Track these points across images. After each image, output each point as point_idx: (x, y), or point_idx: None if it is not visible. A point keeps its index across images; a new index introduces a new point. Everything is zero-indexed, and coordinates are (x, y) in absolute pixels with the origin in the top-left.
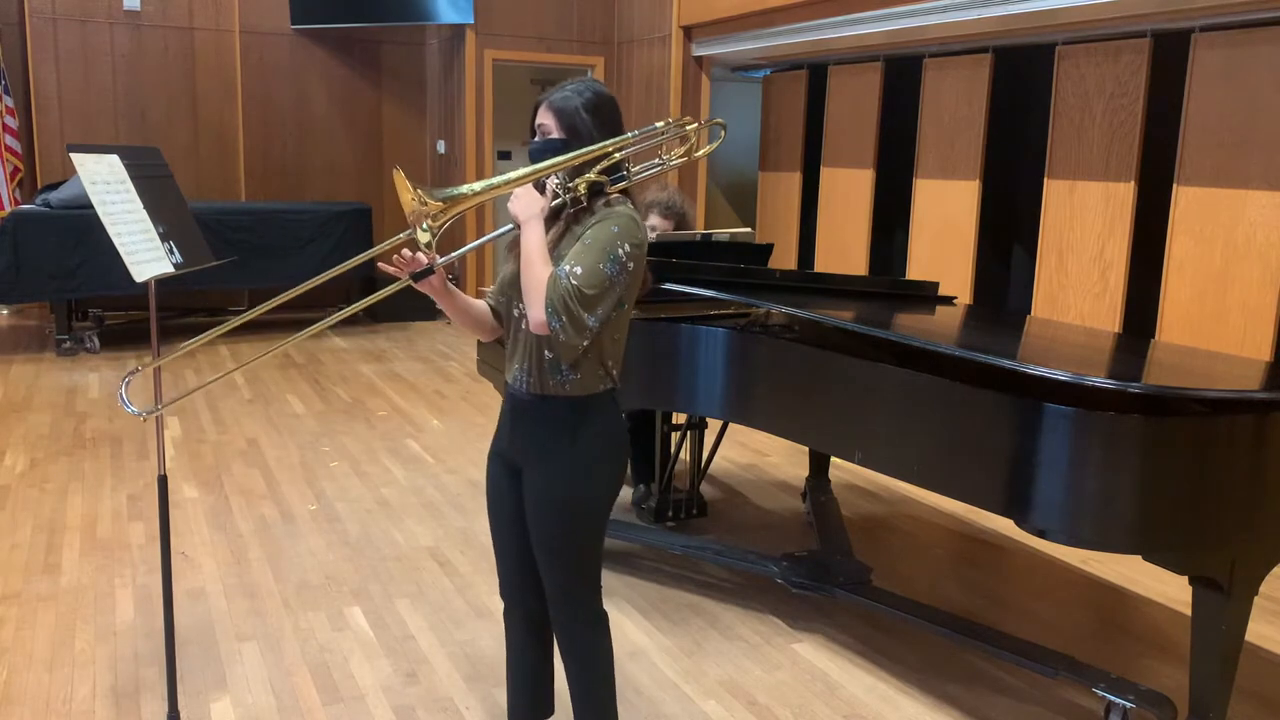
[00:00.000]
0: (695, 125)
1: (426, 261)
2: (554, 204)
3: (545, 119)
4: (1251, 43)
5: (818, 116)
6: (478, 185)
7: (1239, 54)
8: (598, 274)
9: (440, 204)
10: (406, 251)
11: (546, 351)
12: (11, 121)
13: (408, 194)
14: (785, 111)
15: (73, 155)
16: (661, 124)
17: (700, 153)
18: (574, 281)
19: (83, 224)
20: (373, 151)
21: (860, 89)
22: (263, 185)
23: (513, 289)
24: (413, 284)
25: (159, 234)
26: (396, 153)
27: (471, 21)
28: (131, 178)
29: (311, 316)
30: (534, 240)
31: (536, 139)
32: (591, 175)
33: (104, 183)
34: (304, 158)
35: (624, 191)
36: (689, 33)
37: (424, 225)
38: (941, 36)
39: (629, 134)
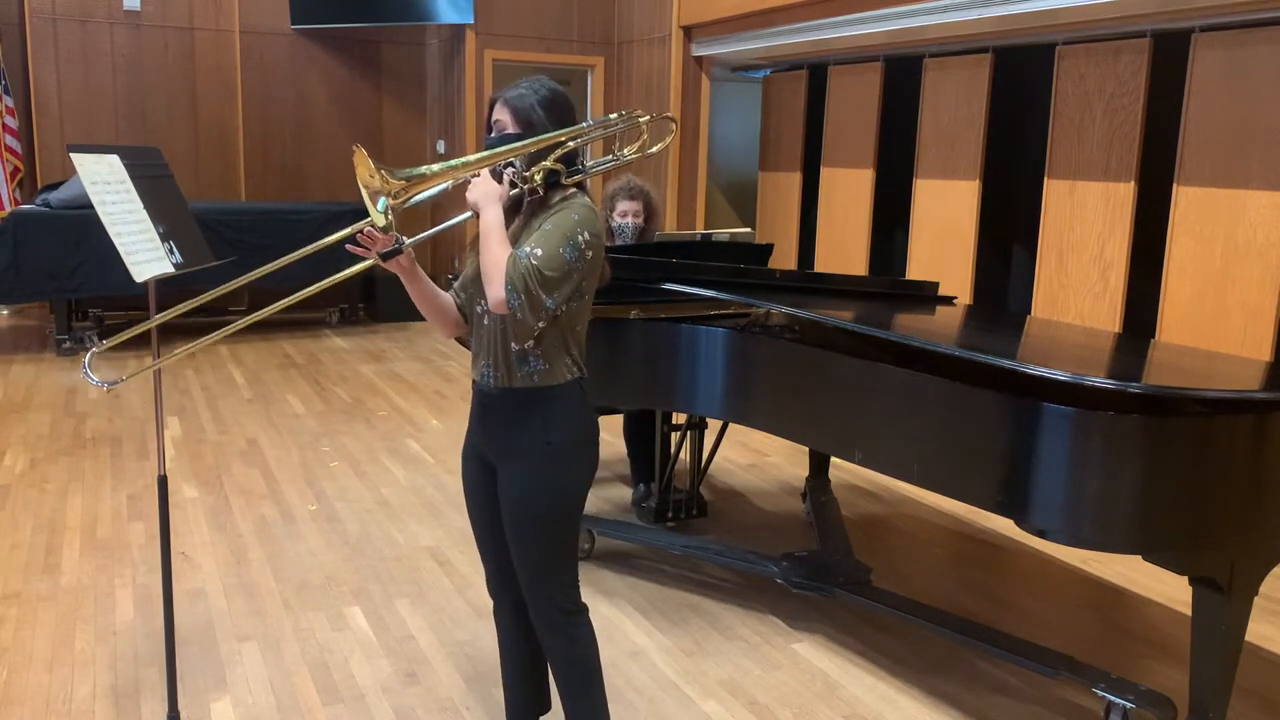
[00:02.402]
0: (648, 118)
1: (394, 241)
2: (512, 193)
3: (501, 115)
4: (1251, 43)
5: (818, 116)
6: (436, 166)
7: (1239, 54)
8: (557, 257)
9: (402, 183)
10: (371, 230)
11: (513, 344)
12: (11, 121)
13: (367, 171)
14: (785, 111)
15: (73, 155)
16: (615, 115)
17: (655, 148)
18: (534, 262)
19: (83, 224)
20: (373, 151)
21: (860, 89)
22: (263, 185)
23: (475, 286)
24: (381, 263)
25: (159, 234)
26: (397, 153)
27: (471, 21)
28: (131, 178)
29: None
30: (492, 220)
31: (493, 134)
32: (547, 164)
33: (104, 183)
34: (304, 158)
35: (579, 185)
36: (689, 33)
37: (380, 205)
38: (941, 36)
39: (583, 124)
